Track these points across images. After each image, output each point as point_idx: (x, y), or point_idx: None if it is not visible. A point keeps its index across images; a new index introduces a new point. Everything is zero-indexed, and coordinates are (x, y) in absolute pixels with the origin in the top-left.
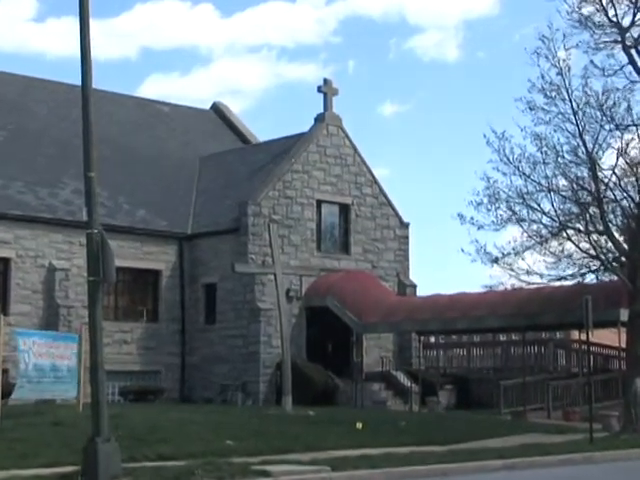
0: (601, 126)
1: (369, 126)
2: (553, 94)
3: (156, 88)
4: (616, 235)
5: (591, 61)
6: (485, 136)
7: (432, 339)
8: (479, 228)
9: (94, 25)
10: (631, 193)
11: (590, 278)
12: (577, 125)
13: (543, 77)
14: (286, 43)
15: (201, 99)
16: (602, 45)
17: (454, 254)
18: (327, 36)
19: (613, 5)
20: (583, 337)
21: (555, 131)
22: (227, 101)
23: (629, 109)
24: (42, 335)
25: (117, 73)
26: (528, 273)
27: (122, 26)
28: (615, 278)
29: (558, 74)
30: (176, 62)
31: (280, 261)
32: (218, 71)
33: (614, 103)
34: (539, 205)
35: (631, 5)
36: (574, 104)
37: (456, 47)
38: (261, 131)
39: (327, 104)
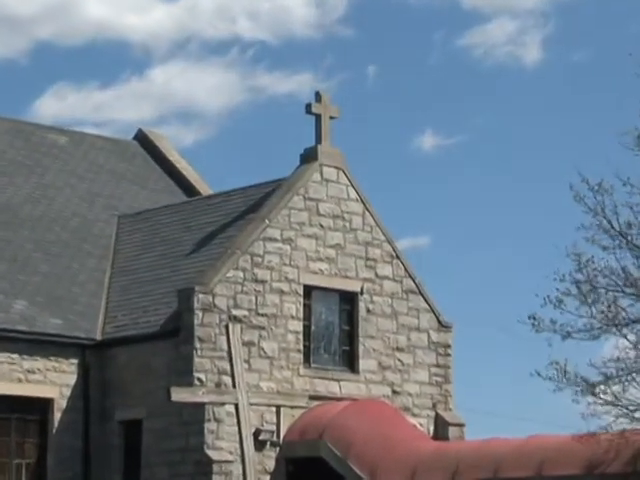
0: None
1: (395, 168)
2: None
3: (59, 107)
4: None
5: None
6: (572, 188)
7: None
8: (564, 337)
9: None
10: None
11: None
12: None
13: None
14: (267, 39)
15: (132, 125)
16: None
17: (524, 375)
18: (332, 27)
19: None
20: None
21: None
22: (173, 129)
23: None
24: None
25: None
26: None
27: (6, 12)
28: None
29: None
30: (92, 67)
31: (245, 384)
32: (160, 82)
33: None
34: None
35: None
36: None
37: (539, 45)
38: (220, 176)
39: (321, 133)
